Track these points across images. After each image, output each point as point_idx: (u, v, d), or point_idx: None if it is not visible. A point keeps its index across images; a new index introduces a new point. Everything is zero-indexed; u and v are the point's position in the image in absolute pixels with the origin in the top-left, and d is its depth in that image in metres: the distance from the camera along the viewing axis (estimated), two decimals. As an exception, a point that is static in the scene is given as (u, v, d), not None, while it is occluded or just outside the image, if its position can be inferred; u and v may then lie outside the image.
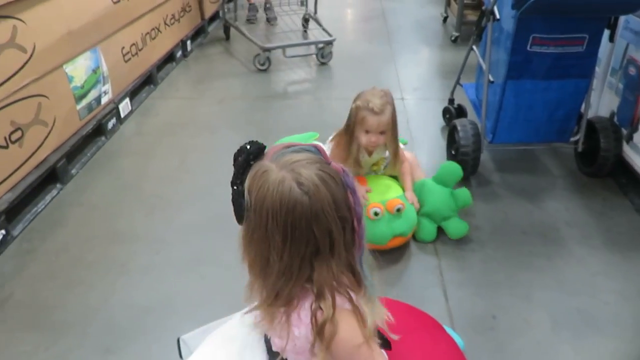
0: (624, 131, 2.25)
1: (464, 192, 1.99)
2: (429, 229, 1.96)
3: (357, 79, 3.38)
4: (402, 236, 1.88)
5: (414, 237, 1.97)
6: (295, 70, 3.81)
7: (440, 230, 1.98)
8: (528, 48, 2.04)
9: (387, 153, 1.96)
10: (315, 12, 4.20)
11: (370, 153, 1.94)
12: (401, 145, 2.01)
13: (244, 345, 1.07)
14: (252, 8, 4.57)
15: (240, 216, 0.89)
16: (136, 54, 3.08)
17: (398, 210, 1.85)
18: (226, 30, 4.20)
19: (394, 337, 1.02)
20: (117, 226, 2.08)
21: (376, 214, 1.81)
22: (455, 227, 1.95)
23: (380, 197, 1.89)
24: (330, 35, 3.77)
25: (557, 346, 1.53)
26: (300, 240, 0.84)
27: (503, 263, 1.86)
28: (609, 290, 1.73)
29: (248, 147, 0.89)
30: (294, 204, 0.82)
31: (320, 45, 3.72)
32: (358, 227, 0.89)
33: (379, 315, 0.93)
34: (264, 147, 0.91)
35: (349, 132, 1.87)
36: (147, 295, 1.74)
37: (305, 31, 4.20)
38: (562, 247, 1.93)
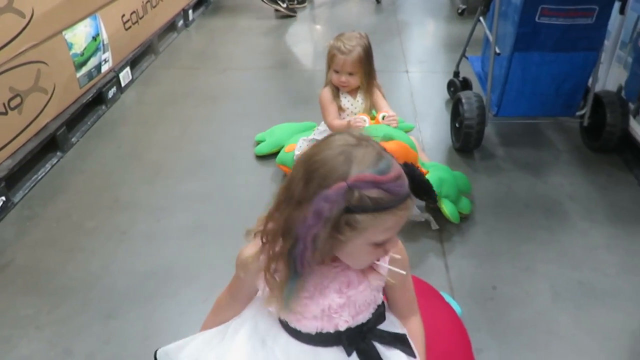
0: (631, 106, 2.21)
1: (463, 179, 1.96)
2: (453, 209, 1.85)
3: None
4: (392, 138, 1.67)
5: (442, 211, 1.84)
6: (298, 42, 3.76)
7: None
8: (536, 19, 1.99)
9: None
10: None
11: (352, 94, 1.91)
12: (410, 136, 1.90)
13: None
14: None
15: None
16: (137, 22, 3.03)
17: (383, 117, 1.80)
18: None
19: None
20: (118, 194, 2.08)
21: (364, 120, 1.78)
22: (467, 203, 1.92)
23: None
24: None
25: (557, 317, 1.53)
26: None
27: (505, 235, 1.85)
28: (610, 263, 1.73)
29: None
30: None
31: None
32: None
33: None
34: None
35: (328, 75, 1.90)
36: (147, 262, 1.74)
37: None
38: (564, 220, 1.92)
